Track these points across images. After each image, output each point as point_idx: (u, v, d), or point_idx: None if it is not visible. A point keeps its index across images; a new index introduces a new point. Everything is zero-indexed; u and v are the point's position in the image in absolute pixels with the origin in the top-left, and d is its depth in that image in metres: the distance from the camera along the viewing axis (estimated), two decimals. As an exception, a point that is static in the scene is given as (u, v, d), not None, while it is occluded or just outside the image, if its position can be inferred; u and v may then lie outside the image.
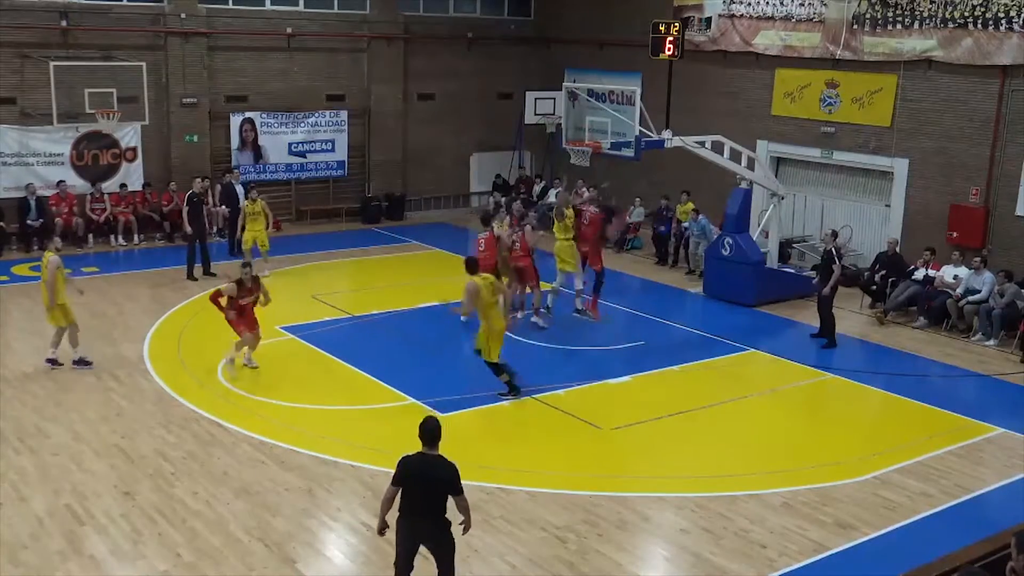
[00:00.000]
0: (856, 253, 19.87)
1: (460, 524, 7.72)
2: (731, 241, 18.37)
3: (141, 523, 9.62)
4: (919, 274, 17.67)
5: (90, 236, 21.40)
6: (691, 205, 21.18)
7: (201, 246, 18.91)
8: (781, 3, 21.14)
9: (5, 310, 16.48)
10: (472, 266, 13.08)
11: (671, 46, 17.75)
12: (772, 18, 21.36)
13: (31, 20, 20.62)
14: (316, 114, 24.36)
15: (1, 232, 20.48)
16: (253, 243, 18.97)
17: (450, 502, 7.62)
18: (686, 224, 20.92)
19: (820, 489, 10.79)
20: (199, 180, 19.75)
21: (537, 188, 25.88)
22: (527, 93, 24.73)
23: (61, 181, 21.17)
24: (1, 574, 8.73)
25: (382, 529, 7.72)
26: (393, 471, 7.58)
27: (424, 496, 7.50)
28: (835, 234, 16.61)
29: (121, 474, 10.71)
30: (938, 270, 17.56)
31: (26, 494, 10.19)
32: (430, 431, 7.57)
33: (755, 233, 18.97)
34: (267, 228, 19.28)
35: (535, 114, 24.67)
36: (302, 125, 24.23)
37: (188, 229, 18.73)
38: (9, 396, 12.82)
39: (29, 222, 20.64)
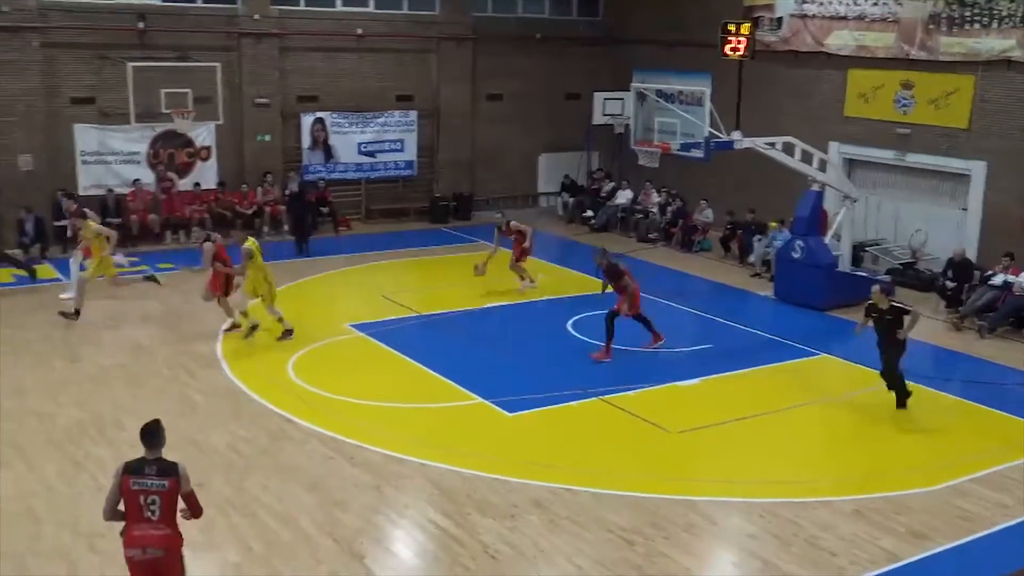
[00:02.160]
0: (932, 257, 19.48)
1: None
2: (802, 244, 18.12)
3: (213, 515, 9.79)
4: (997, 279, 17.25)
5: (167, 233, 21.89)
6: (775, 224, 20.66)
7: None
8: (855, 3, 20.78)
9: (85, 305, 16.84)
10: None
11: (741, 46, 17.59)
12: (845, 18, 21.01)
13: (109, 22, 21.10)
14: (385, 114, 24.56)
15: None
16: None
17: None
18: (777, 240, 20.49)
19: (892, 497, 10.59)
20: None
21: (607, 188, 25.83)
22: (595, 93, 24.67)
23: (136, 179, 21.63)
24: (83, 560, 8.98)
25: None
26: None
27: None
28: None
29: (194, 466, 10.88)
30: (1017, 275, 17.12)
31: (104, 484, 10.41)
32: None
33: (827, 236, 18.68)
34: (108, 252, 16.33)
35: (603, 114, 24.60)
36: (371, 125, 24.45)
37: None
38: (90, 389, 13.18)
39: (108, 219, 21.09)
